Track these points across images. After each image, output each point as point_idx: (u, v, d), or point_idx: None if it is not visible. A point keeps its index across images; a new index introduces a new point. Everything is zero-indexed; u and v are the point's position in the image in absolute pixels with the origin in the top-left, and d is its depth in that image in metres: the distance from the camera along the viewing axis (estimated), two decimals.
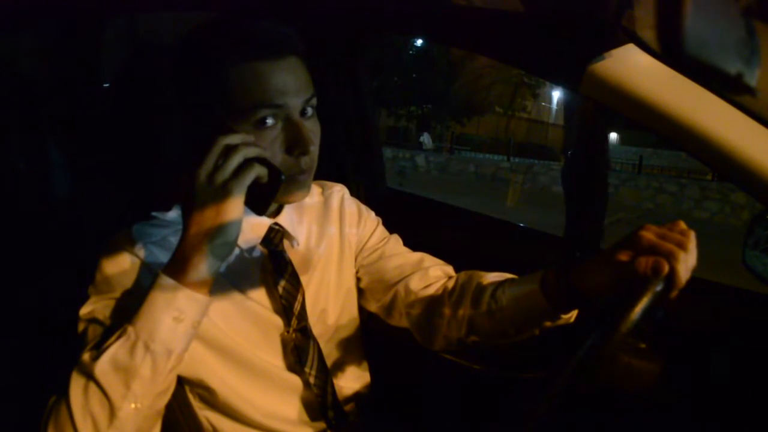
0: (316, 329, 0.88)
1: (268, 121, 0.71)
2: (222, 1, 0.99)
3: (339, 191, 0.99)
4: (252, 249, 0.83)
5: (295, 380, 0.86)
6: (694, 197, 9.04)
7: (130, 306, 0.68)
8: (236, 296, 0.81)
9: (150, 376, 0.63)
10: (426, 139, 15.57)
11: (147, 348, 0.63)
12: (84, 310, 0.73)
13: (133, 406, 0.63)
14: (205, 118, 0.72)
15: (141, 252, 0.76)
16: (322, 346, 0.88)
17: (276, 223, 0.83)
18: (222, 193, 0.64)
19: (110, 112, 1.15)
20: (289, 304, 0.83)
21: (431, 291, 0.90)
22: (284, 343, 0.85)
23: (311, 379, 0.86)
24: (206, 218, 0.64)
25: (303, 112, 0.74)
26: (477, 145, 16.68)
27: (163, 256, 0.74)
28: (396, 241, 1.00)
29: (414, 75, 15.58)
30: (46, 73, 1.29)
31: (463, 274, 0.90)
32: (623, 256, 0.63)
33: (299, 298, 0.84)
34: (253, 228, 0.81)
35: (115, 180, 1.10)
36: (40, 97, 1.27)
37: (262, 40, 0.71)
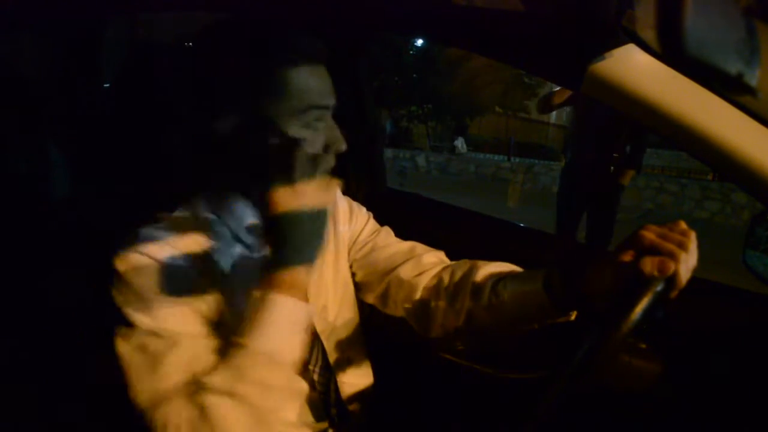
0: (318, 326, 0.88)
1: (318, 121, 0.74)
2: (222, 1, 0.99)
3: None
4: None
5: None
6: (694, 197, 9.02)
7: (171, 310, 0.68)
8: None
9: (287, 386, 0.65)
10: (460, 143, 15.04)
11: (275, 362, 0.64)
12: (127, 327, 0.70)
13: (281, 416, 0.65)
14: (253, 118, 0.72)
15: (158, 254, 0.73)
16: (324, 343, 0.88)
17: None
18: (312, 204, 0.65)
19: (110, 112, 1.15)
20: None
21: (426, 278, 0.90)
22: None
23: (315, 377, 0.86)
24: (301, 230, 0.65)
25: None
26: (477, 145, 16.66)
27: (179, 257, 0.73)
28: (387, 232, 1.01)
29: (414, 75, 15.56)
30: (46, 73, 1.28)
31: (463, 263, 0.90)
32: (626, 257, 0.64)
33: None
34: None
35: (115, 180, 1.10)
36: (40, 97, 1.27)
37: (307, 45, 0.74)
